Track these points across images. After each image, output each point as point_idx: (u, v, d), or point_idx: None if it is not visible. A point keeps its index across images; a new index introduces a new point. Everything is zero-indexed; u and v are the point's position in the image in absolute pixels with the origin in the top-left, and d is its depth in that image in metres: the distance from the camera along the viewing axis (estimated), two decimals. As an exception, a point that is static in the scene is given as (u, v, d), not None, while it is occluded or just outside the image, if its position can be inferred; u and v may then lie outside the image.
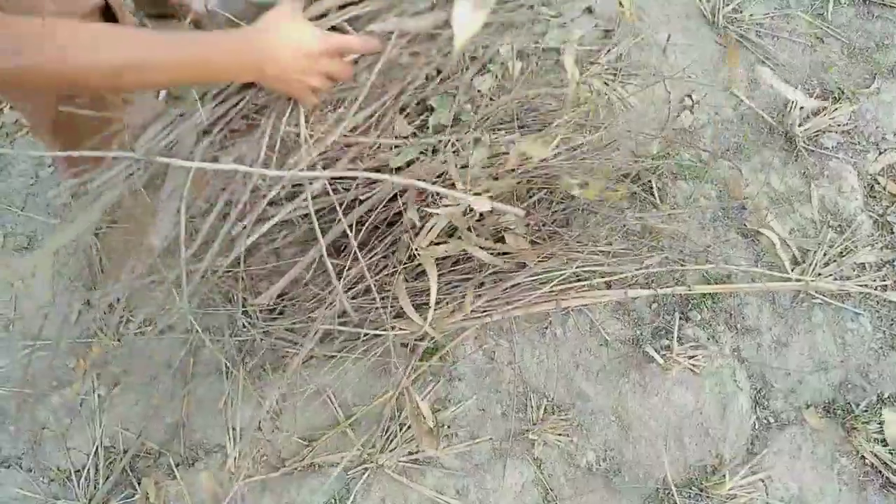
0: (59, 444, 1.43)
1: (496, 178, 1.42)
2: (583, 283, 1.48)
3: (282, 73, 0.95)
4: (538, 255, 1.43)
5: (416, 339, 1.40)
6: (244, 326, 1.44)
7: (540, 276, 1.44)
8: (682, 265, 1.56)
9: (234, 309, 1.46)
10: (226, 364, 1.46)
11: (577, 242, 1.49)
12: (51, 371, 1.47)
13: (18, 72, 0.77)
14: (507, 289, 1.41)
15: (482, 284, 1.42)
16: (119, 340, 1.48)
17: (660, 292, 1.51)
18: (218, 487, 1.41)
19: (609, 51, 1.76)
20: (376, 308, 1.40)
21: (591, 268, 1.47)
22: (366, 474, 1.42)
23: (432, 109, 1.56)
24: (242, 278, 1.47)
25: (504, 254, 1.44)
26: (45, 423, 1.44)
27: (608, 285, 1.53)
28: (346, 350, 1.41)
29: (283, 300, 1.49)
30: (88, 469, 1.41)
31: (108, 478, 1.40)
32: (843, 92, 1.78)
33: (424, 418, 1.38)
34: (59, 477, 1.41)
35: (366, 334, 1.37)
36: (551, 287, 1.43)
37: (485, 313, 1.42)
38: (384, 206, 1.40)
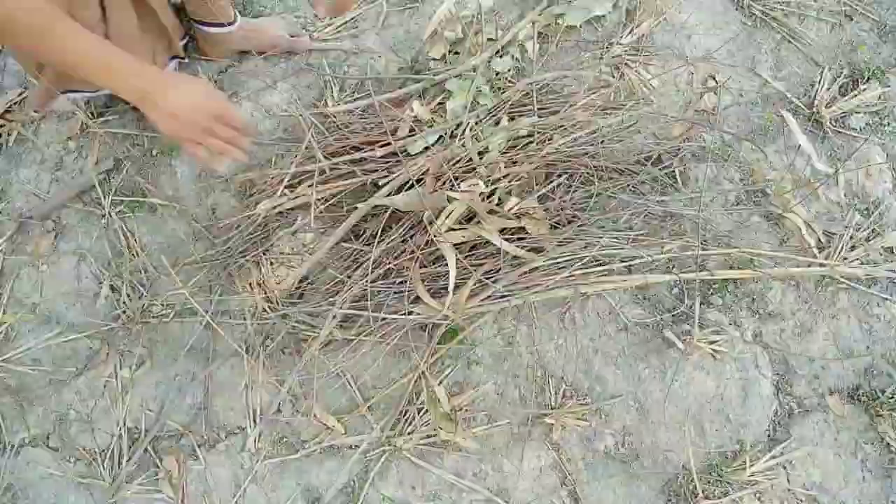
0: (84, 424, 1.46)
1: (514, 163, 1.42)
2: (602, 267, 1.46)
3: (165, 110, 1.08)
4: (557, 239, 1.42)
5: (434, 322, 1.41)
6: (264, 310, 1.46)
7: (558, 261, 1.43)
8: (703, 249, 1.53)
9: (253, 294, 1.47)
10: (245, 347, 1.47)
11: (598, 227, 1.47)
12: (75, 353, 1.50)
13: None
14: (525, 273, 1.40)
15: (499, 269, 1.41)
16: (142, 323, 1.50)
17: (681, 276, 1.49)
18: (238, 468, 1.43)
19: (631, 31, 1.73)
20: (395, 293, 1.41)
21: (610, 251, 1.45)
22: (384, 457, 1.43)
23: (450, 93, 1.55)
24: (267, 263, 1.49)
25: (522, 238, 1.43)
26: (70, 405, 1.47)
27: (629, 270, 1.51)
28: (364, 334, 1.42)
29: (303, 284, 1.50)
30: (113, 449, 1.44)
31: (131, 458, 1.42)
32: (872, 71, 1.74)
33: (440, 402, 1.38)
34: (85, 457, 1.44)
35: (384, 318, 1.38)
36: (570, 272, 1.42)
37: (503, 298, 1.42)
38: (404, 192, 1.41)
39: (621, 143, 1.58)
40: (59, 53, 1.04)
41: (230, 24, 1.56)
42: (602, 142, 1.52)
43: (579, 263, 1.43)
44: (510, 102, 1.53)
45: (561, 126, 1.48)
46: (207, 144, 1.13)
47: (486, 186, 1.37)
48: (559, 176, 1.48)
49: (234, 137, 1.15)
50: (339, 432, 1.43)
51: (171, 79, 1.12)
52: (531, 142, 1.47)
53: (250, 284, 1.48)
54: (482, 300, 1.39)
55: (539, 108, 1.52)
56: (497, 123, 1.49)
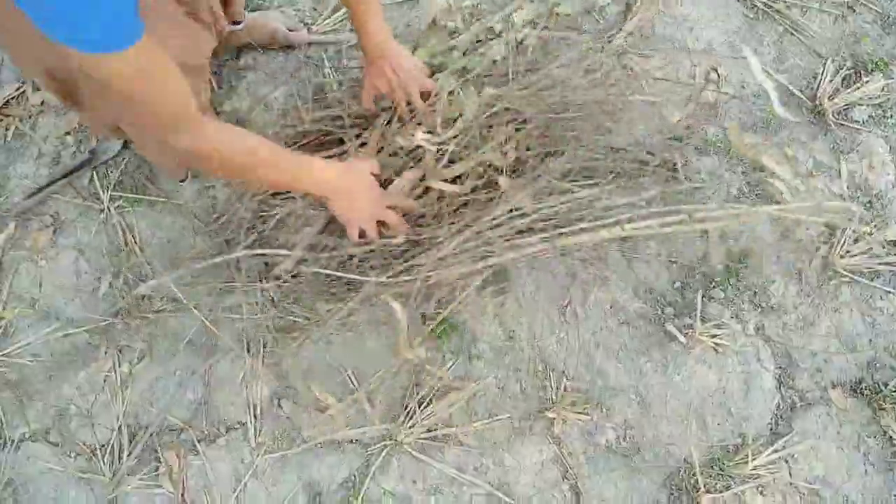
0: (84, 419, 1.46)
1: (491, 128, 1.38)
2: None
3: (349, 207, 1.27)
4: (530, 193, 1.36)
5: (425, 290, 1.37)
6: (266, 301, 1.45)
7: (534, 218, 1.37)
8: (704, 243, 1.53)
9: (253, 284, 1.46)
10: (245, 341, 1.47)
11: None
12: (75, 348, 1.50)
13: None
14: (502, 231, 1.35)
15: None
16: (142, 318, 1.49)
17: (666, 227, 1.41)
18: (239, 463, 1.42)
19: (629, 20, 1.72)
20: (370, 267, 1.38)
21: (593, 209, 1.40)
22: (385, 451, 1.42)
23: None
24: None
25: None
26: (70, 399, 1.47)
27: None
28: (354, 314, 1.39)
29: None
30: (113, 444, 1.43)
31: (131, 453, 1.42)
32: (875, 63, 1.73)
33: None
34: (85, 451, 1.44)
35: (354, 285, 1.35)
36: (546, 227, 1.37)
37: (483, 259, 1.37)
38: None
39: (613, 121, 1.56)
40: (264, 183, 1.30)
41: (239, 22, 1.55)
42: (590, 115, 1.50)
43: (555, 218, 1.38)
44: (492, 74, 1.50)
45: (540, 90, 1.45)
46: (368, 231, 1.30)
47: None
48: (549, 154, 1.45)
49: (396, 225, 1.31)
50: (341, 424, 1.43)
51: (358, 178, 1.29)
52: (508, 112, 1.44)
53: (248, 276, 1.47)
54: (457, 256, 1.35)
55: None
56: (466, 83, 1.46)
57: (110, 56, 0.82)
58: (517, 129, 1.40)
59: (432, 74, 1.43)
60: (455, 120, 1.38)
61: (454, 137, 1.36)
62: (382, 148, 1.40)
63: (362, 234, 1.31)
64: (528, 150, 1.42)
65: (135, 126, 1.29)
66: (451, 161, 1.37)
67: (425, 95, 1.39)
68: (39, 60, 1.12)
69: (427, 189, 1.37)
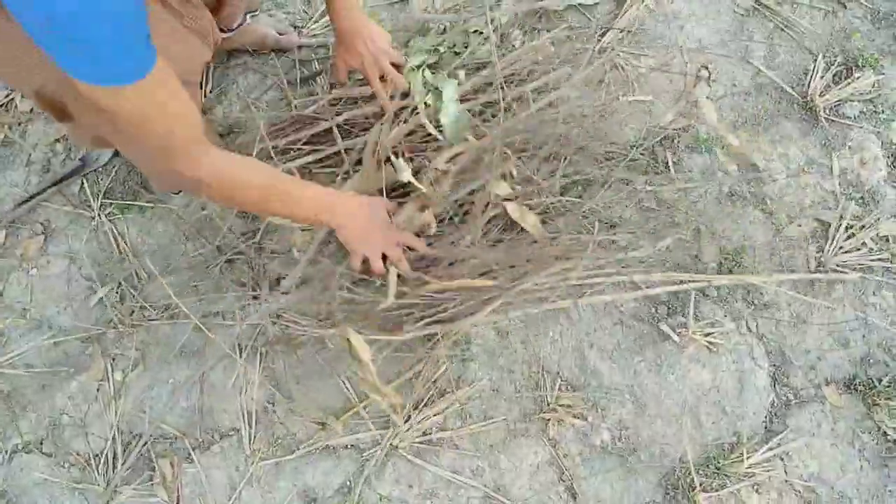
0: (77, 429, 1.45)
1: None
2: (599, 272, 1.45)
3: (361, 238, 1.27)
4: (553, 254, 1.40)
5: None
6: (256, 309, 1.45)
7: (555, 274, 1.40)
8: (697, 241, 1.53)
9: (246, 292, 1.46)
10: (238, 348, 1.46)
11: (586, 219, 1.46)
12: (68, 357, 1.49)
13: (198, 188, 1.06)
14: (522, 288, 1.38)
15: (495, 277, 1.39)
16: (134, 326, 1.49)
17: (680, 286, 1.47)
18: (234, 470, 1.42)
19: (620, 18, 1.72)
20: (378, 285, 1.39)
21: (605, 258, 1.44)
22: (380, 456, 1.42)
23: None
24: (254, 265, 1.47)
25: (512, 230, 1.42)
26: (63, 409, 1.46)
27: (626, 269, 1.49)
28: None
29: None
30: (107, 453, 1.43)
31: (125, 462, 1.42)
32: (866, 59, 1.72)
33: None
34: (79, 461, 1.43)
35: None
36: (567, 283, 1.41)
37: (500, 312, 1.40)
38: None
39: (605, 123, 1.56)
40: (279, 214, 1.23)
41: (232, 29, 1.55)
42: (583, 115, 1.50)
43: (577, 278, 1.42)
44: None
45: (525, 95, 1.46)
46: (373, 261, 1.29)
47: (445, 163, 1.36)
48: (544, 158, 1.46)
49: (401, 261, 1.31)
50: (336, 432, 1.42)
51: (376, 213, 1.31)
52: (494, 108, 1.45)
53: (242, 284, 1.47)
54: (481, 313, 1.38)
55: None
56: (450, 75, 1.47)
57: (121, 88, 0.82)
58: (519, 156, 1.41)
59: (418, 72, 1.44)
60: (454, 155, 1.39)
61: (451, 160, 1.37)
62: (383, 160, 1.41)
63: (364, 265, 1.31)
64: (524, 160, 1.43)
65: (130, 145, 1.29)
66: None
67: (396, 68, 1.42)
68: (27, 80, 1.11)
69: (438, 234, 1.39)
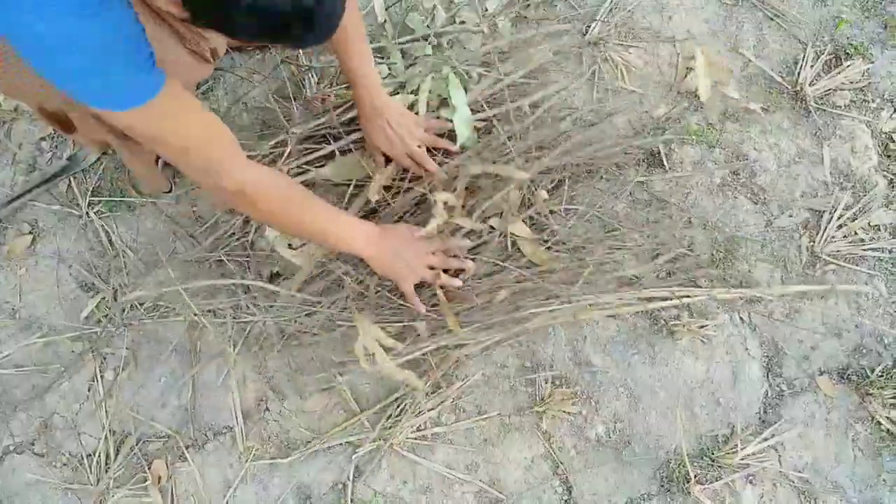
0: (69, 429, 1.44)
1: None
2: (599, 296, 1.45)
3: (392, 264, 1.30)
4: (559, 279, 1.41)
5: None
6: (248, 307, 1.44)
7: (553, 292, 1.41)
8: (689, 233, 1.53)
9: (236, 284, 1.45)
10: (231, 346, 1.45)
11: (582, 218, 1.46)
12: (58, 357, 1.48)
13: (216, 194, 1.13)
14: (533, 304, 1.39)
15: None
16: (125, 325, 1.48)
17: (681, 298, 1.48)
18: (227, 468, 1.41)
19: (607, 8, 1.71)
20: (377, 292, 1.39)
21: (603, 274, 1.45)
22: (374, 452, 1.41)
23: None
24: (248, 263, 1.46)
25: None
26: (55, 410, 1.45)
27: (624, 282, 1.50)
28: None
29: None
30: (99, 453, 1.42)
31: (118, 461, 1.41)
32: (855, 48, 1.72)
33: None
34: (71, 462, 1.42)
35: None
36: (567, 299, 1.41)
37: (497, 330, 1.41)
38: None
39: (596, 127, 1.56)
40: (303, 231, 1.27)
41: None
42: (578, 120, 1.51)
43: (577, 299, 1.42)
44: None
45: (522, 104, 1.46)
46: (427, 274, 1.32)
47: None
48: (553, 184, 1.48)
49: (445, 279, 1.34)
50: (329, 427, 1.42)
51: (398, 232, 1.32)
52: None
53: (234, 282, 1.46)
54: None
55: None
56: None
57: (131, 110, 0.86)
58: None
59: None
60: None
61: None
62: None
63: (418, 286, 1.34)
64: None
65: (124, 144, 1.29)
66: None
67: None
68: (29, 95, 1.11)
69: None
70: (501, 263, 1.40)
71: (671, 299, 1.47)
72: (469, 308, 1.36)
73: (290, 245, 1.42)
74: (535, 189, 1.44)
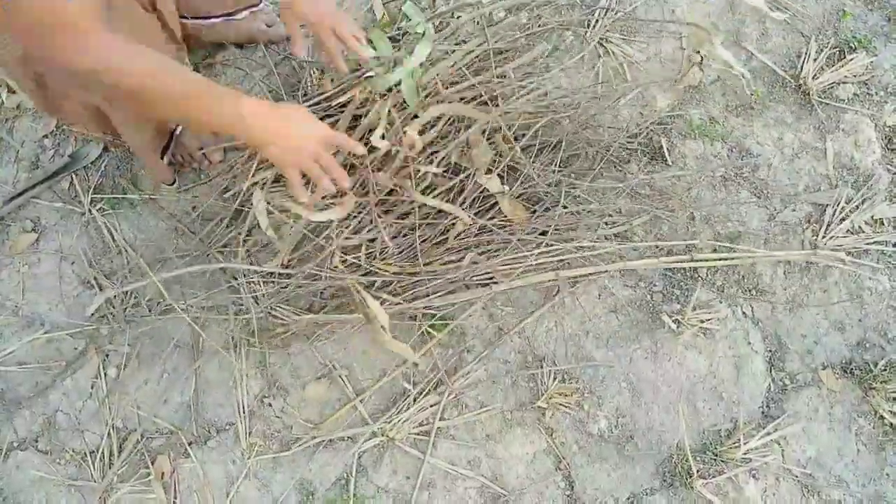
0: (72, 426, 1.44)
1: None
2: (587, 252, 1.44)
3: (285, 145, 1.06)
4: (536, 226, 1.39)
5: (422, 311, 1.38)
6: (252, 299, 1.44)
7: (543, 250, 1.39)
8: (692, 230, 1.52)
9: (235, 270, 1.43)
10: (233, 342, 1.45)
11: (579, 208, 1.45)
12: (61, 354, 1.48)
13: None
14: (507, 260, 1.37)
15: (482, 253, 1.38)
16: (127, 322, 1.48)
17: (662, 261, 1.46)
18: (230, 464, 1.42)
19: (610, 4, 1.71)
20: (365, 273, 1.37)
21: (594, 240, 1.43)
22: (377, 448, 1.42)
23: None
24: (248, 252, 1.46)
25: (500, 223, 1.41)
26: (58, 407, 1.46)
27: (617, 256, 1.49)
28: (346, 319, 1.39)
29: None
30: (102, 450, 1.42)
31: (121, 458, 1.41)
32: (859, 41, 1.71)
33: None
34: (75, 459, 1.43)
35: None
36: (554, 258, 1.39)
37: (487, 285, 1.39)
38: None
39: (598, 113, 1.55)
40: (176, 110, 1.01)
41: (207, 18, 1.53)
42: (578, 106, 1.49)
43: (561, 251, 1.40)
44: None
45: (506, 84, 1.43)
46: (310, 170, 1.10)
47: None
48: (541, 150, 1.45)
49: (333, 166, 1.12)
50: (331, 422, 1.42)
51: (280, 110, 1.08)
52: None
53: (234, 277, 1.46)
54: (464, 282, 1.37)
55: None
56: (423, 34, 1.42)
57: None
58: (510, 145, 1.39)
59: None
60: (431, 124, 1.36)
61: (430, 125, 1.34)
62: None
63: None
64: (512, 143, 1.41)
65: (117, 108, 1.24)
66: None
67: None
68: (21, 60, 1.10)
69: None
70: (476, 219, 1.36)
71: (655, 258, 1.47)
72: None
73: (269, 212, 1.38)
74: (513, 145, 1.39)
